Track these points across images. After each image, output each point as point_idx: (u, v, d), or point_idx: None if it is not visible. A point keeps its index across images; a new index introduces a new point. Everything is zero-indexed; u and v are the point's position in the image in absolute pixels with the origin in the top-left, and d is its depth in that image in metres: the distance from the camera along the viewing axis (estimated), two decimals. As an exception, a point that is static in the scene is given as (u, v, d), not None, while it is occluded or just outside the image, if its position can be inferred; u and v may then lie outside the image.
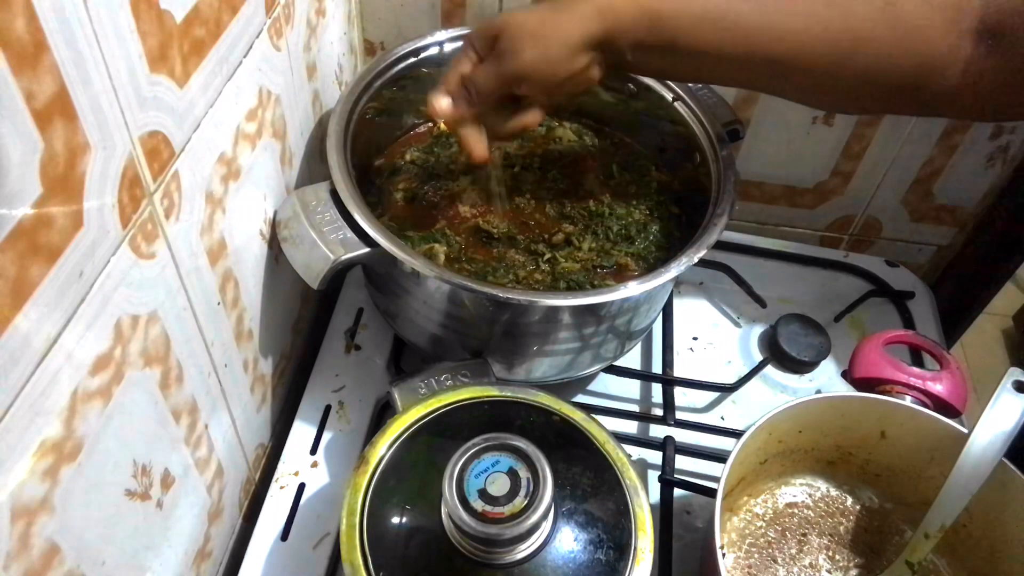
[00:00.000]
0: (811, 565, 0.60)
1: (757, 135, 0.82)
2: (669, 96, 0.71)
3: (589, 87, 0.58)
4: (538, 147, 0.75)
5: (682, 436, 0.67)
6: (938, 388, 0.59)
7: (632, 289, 0.57)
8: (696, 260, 0.59)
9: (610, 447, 0.51)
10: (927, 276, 0.91)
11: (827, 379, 0.75)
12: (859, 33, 0.51)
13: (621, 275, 0.66)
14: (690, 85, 0.71)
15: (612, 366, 0.70)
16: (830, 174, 0.86)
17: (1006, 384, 0.55)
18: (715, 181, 0.65)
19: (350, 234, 0.56)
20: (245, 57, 0.51)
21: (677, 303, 0.77)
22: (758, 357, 0.76)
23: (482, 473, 0.45)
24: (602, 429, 0.52)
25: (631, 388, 0.73)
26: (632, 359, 0.74)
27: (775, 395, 0.74)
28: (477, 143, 0.59)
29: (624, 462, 0.51)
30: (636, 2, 0.53)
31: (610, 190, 0.72)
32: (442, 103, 0.57)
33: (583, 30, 0.54)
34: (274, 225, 0.59)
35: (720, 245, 0.63)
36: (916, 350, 0.71)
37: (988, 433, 0.54)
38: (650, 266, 0.67)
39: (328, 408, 0.68)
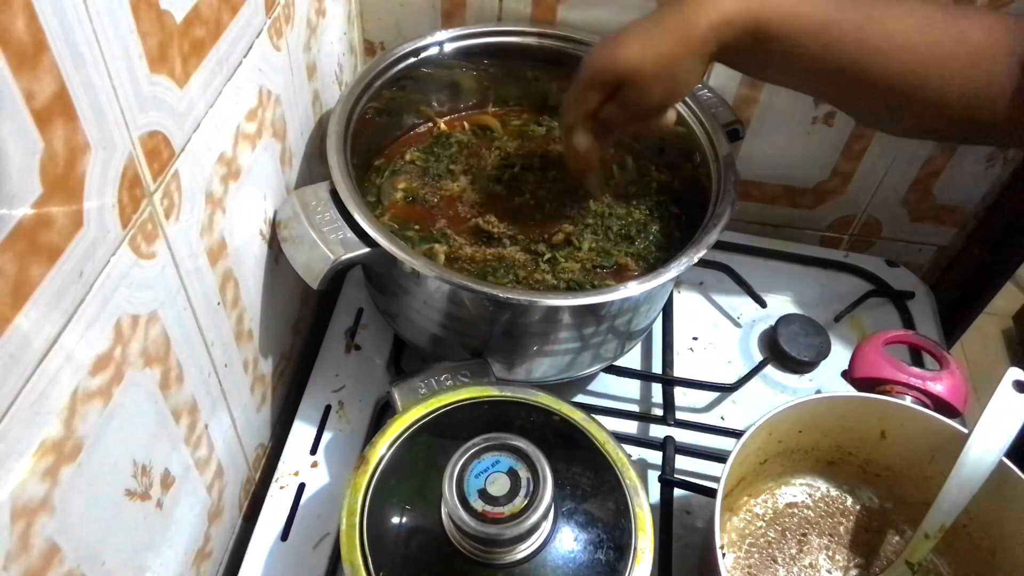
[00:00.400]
0: (811, 565, 0.60)
1: (757, 135, 0.82)
2: (669, 96, 0.71)
3: None
4: (538, 147, 0.75)
5: (682, 436, 0.67)
6: (938, 388, 0.59)
7: (632, 289, 0.57)
8: (696, 260, 0.59)
9: (610, 447, 0.51)
10: (927, 276, 0.91)
11: (827, 379, 0.74)
12: (935, 57, 0.53)
13: (621, 275, 0.66)
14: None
15: (612, 366, 0.70)
16: (830, 174, 0.86)
17: (1006, 384, 0.55)
18: (715, 181, 0.65)
19: (350, 234, 0.56)
20: (245, 57, 0.51)
21: (677, 303, 0.77)
22: (758, 357, 0.76)
23: (482, 473, 0.45)
24: (602, 429, 0.52)
25: (631, 388, 0.73)
26: (632, 359, 0.74)
27: (775, 395, 0.74)
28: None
29: (624, 462, 0.51)
30: (748, 16, 0.54)
31: (610, 190, 0.72)
32: (584, 142, 0.60)
33: (704, 53, 0.55)
34: (274, 225, 0.59)
35: (720, 245, 0.63)
36: (916, 350, 0.71)
37: (988, 433, 0.54)
38: (650, 266, 0.67)
39: (328, 408, 0.68)
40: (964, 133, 0.58)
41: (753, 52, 0.56)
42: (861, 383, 0.61)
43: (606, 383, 0.73)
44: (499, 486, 0.44)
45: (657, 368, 0.73)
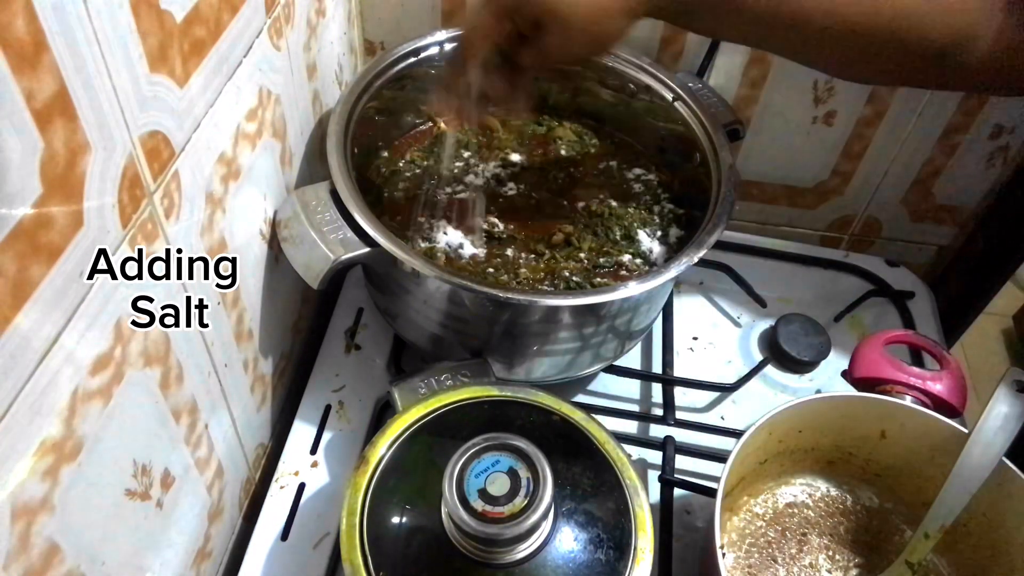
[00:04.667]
0: (811, 565, 0.60)
1: (757, 135, 0.82)
2: (669, 96, 0.71)
3: None
4: (538, 147, 0.75)
5: (682, 436, 0.67)
6: (938, 388, 0.59)
7: (632, 289, 0.57)
8: (696, 260, 0.59)
9: (610, 447, 0.51)
10: (927, 276, 0.91)
11: (827, 379, 0.74)
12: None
13: (621, 275, 0.66)
14: (689, 84, 0.71)
15: (612, 366, 0.70)
16: (830, 174, 0.86)
17: (1006, 384, 0.55)
18: (715, 181, 0.65)
19: (350, 234, 0.56)
20: (245, 57, 0.51)
21: (677, 303, 0.77)
22: (758, 357, 0.76)
23: (482, 473, 0.45)
24: (602, 429, 0.52)
25: (631, 388, 0.73)
26: (632, 359, 0.74)
27: (775, 395, 0.74)
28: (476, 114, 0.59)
29: (624, 462, 0.51)
30: None
31: (610, 190, 0.72)
32: (475, 76, 0.55)
33: (631, 12, 0.52)
34: (274, 225, 0.59)
35: (720, 245, 0.63)
36: (916, 350, 0.71)
37: (988, 433, 0.54)
38: (650, 266, 0.67)
39: (328, 408, 0.68)
40: (946, 80, 0.55)
41: (693, 9, 0.52)
42: (861, 383, 0.61)
43: (606, 383, 0.73)
44: (499, 486, 0.44)
45: (657, 368, 0.73)
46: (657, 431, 0.68)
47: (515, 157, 0.73)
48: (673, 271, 0.58)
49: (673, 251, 0.67)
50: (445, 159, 0.72)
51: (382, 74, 0.67)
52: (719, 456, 0.65)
